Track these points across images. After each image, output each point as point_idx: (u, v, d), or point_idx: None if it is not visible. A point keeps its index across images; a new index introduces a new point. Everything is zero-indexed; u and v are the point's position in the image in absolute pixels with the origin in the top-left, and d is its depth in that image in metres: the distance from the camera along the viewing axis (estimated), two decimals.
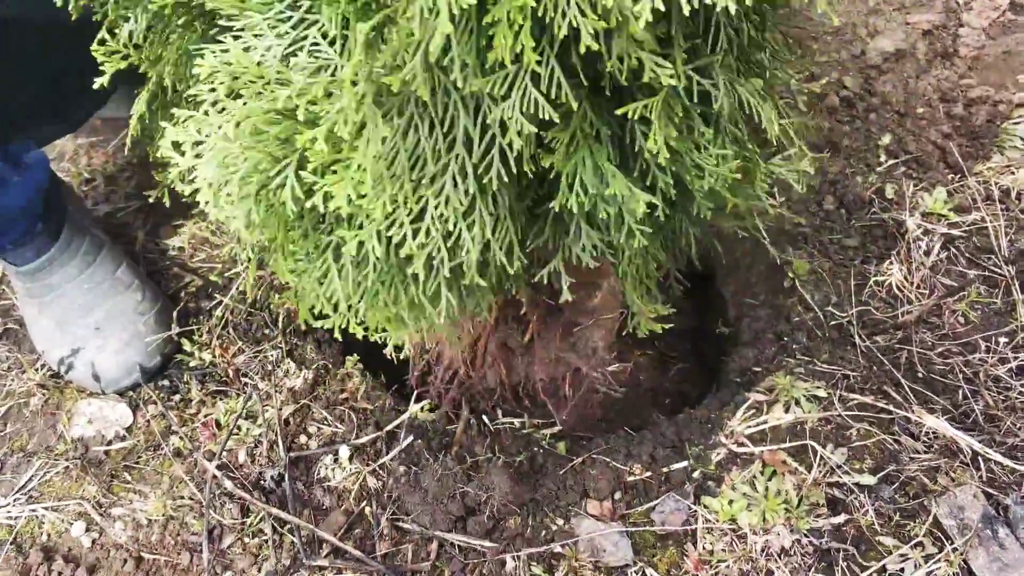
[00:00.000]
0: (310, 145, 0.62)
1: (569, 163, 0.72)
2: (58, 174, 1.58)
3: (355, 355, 1.45)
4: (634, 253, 0.92)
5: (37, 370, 1.46)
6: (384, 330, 0.91)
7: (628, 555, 1.17)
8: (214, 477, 1.27)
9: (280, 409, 1.36)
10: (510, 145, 0.67)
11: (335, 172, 0.64)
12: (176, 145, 0.68)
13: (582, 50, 0.59)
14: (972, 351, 1.34)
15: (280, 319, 1.49)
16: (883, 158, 1.64)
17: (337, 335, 0.91)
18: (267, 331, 1.49)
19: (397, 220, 0.69)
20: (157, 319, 1.46)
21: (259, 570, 1.18)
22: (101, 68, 0.92)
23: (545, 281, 0.88)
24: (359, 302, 0.82)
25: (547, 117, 0.64)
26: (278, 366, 1.43)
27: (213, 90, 0.66)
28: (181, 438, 1.34)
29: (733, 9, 0.56)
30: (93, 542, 1.25)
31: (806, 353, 1.38)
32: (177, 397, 1.41)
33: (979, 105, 1.69)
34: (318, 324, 0.87)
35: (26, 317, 1.49)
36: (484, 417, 1.31)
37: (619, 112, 0.69)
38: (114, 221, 1.72)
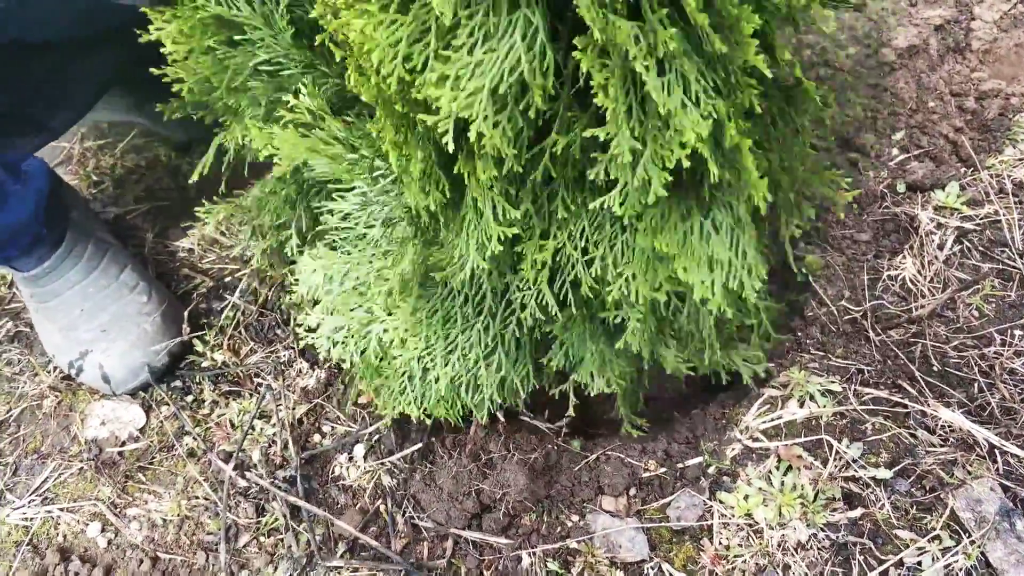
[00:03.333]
0: (374, 298, 0.98)
1: (564, 332, 1.03)
2: (64, 177, 1.58)
3: None
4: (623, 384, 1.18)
5: (49, 372, 1.46)
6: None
7: (644, 551, 1.16)
8: (229, 477, 1.27)
9: (293, 409, 1.36)
10: (524, 318, 0.97)
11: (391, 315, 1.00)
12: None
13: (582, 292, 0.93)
14: (987, 344, 1.33)
15: (291, 319, 1.49)
16: (895, 152, 1.63)
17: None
18: (278, 331, 1.49)
19: (431, 354, 1.03)
20: (163, 319, 1.45)
21: (275, 569, 1.18)
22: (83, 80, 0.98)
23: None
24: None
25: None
26: (290, 366, 1.43)
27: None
28: (195, 439, 1.34)
29: None
30: (109, 542, 1.25)
31: (820, 348, 1.37)
32: (190, 398, 1.41)
33: (991, 98, 1.68)
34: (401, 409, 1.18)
35: (34, 321, 1.49)
36: (499, 415, 1.31)
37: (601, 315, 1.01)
38: (123, 224, 1.72)
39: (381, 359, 1.13)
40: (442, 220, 0.90)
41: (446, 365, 1.03)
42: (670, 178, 0.69)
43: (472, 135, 0.66)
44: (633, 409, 1.26)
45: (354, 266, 0.99)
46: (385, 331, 1.01)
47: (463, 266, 0.86)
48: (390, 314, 1.01)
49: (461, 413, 1.19)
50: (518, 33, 0.62)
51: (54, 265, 1.41)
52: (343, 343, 1.07)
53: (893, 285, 1.44)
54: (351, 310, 1.03)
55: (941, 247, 1.47)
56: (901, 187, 1.58)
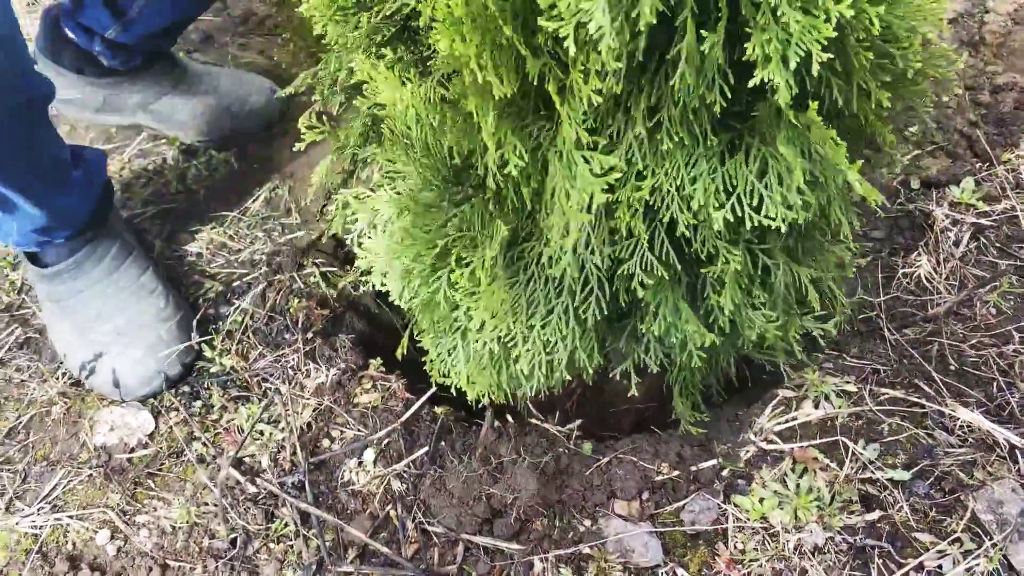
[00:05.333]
0: (459, 279, 0.94)
1: (656, 297, 0.97)
2: None
3: (378, 358, 1.44)
4: (686, 368, 1.18)
5: (58, 379, 1.45)
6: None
7: (658, 555, 1.15)
8: (238, 483, 1.26)
9: (302, 413, 1.35)
10: (602, 291, 0.96)
11: (473, 296, 0.96)
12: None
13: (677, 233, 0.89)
14: (1005, 342, 1.31)
15: (300, 322, 1.48)
16: (909, 147, 1.61)
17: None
18: (287, 335, 1.48)
19: (512, 336, 1.02)
20: (179, 327, 1.45)
21: None
22: None
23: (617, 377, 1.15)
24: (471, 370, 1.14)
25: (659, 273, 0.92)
26: (299, 370, 1.42)
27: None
28: (204, 444, 1.33)
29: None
30: (118, 550, 1.24)
31: (835, 347, 1.35)
32: (199, 403, 1.40)
33: (1006, 92, 1.66)
34: (445, 380, 1.18)
35: (47, 322, 1.48)
36: (509, 417, 1.29)
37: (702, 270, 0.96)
38: (131, 228, 1.71)
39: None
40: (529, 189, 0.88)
41: (524, 343, 1.02)
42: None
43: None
44: (694, 403, 1.26)
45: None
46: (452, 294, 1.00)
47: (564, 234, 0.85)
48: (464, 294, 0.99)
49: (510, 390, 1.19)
50: None
51: (79, 261, 1.40)
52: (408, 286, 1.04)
53: (908, 283, 1.42)
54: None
55: (957, 244, 1.45)
56: (915, 183, 1.56)
